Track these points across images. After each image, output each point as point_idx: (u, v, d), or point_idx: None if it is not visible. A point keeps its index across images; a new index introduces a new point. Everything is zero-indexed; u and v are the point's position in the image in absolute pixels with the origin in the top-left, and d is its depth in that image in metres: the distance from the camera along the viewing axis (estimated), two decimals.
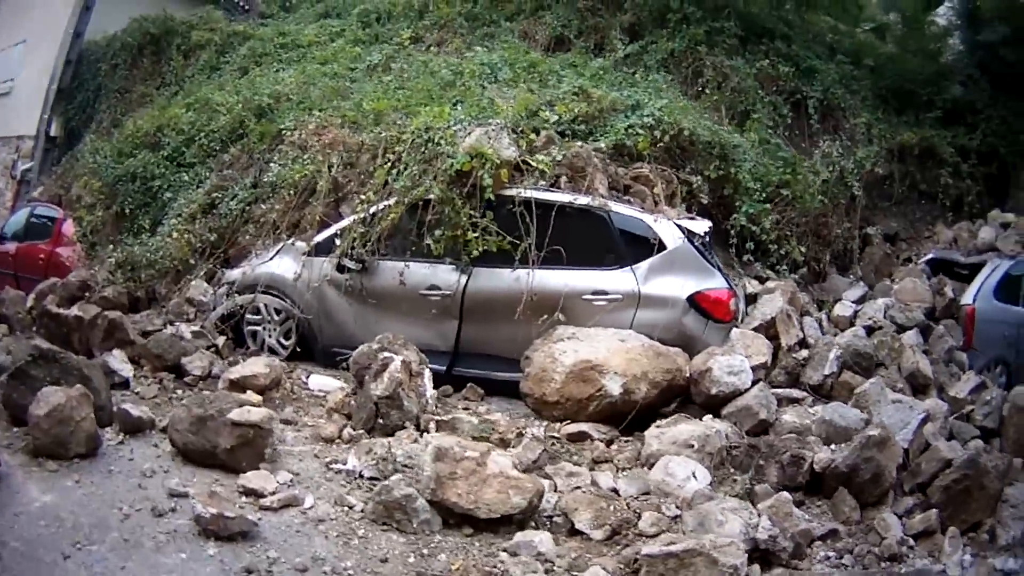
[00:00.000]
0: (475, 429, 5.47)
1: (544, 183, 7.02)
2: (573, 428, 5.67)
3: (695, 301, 6.33)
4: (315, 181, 8.30)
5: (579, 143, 7.65)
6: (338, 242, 7.15)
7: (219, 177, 9.69)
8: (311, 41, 13.24)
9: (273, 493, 4.64)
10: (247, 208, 8.93)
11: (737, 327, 6.43)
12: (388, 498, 4.36)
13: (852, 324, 7.43)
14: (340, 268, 7.07)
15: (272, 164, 9.07)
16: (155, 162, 10.28)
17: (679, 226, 6.60)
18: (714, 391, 5.61)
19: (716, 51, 10.60)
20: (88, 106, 15.04)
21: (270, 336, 7.56)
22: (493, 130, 7.22)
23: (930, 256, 9.49)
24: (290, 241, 7.76)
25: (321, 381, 6.80)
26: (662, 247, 6.42)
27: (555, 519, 4.66)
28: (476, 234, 6.59)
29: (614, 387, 5.58)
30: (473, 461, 4.43)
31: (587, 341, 5.89)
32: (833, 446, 4.99)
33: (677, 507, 4.55)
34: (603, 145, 7.76)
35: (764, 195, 8.47)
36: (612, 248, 6.57)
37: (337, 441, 5.65)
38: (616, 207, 6.78)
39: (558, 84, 9.17)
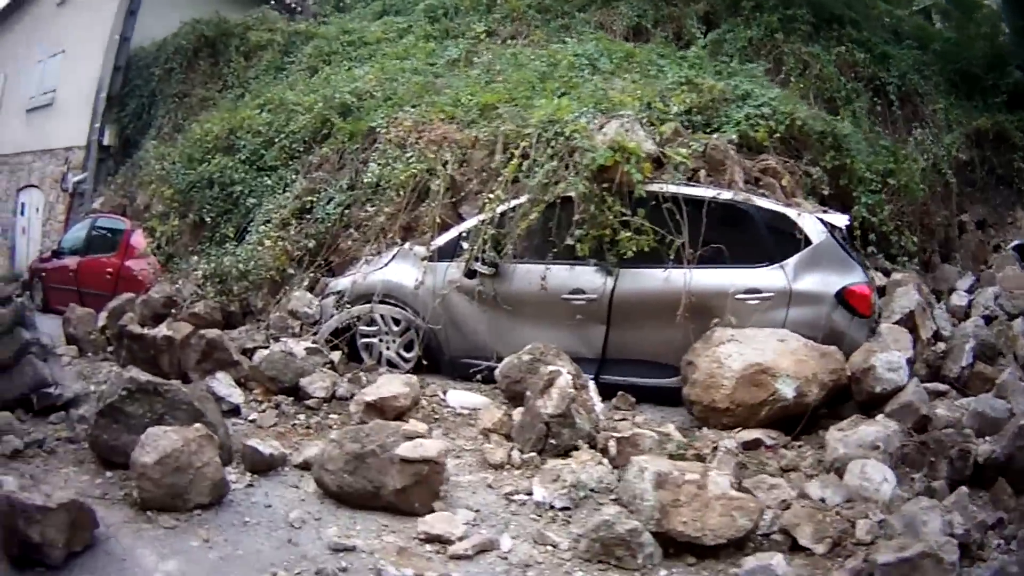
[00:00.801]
0: (657, 444, 4.95)
1: (681, 177, 6.61)
2: (747, 436, 5.27)
3: (842, 297, 6.00)
4: (424, 181, 7.71)
5: (714, 135, 7.32)
6: (465, 245, 6.66)
7: (308, 180, 8.92)
8: (379, 38, 12.60)
9: (462, 538, 4.00)
10: (345, 212, 8.26)
11: (876, 322, 6.21)
12: (609, 534, 3.83)
13: (967, 314, 7.39)
14: (470, 273, 6.54)
15: (370, 164, 8.40)
16: (232, 166, 9.53)
17: (821, 220, 6.27)
18: (877, 389, 5.34)
19: (792, 38, 10.24)
20: (143, 112, 14.35)
21: (388, 349, 6.96)
22: (627, 123, 6.79)
23: (1018, 242, 9.15)
24: (407, 246, 7.19)
25: (462, 397, 6.19)
26: (807, 242, 6.09)
27: (772, 536, 4.18)
28: (628, 233, 6.12)
29: (788, 390, 5.28)
30: (694, 484, 4.04)
31: (748, 343, 5.55)
32: (987, 437, 4.83)
33: (879, 511, 4.27)
34: (734, 136, 7.39)
35: (877, 185, 8.11)
36: (759, 244, 6.21)
37: (507, 467, 5.00)
38: (759, 201, 6.41)
39: (660, 74, 8.86)
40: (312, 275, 7.98)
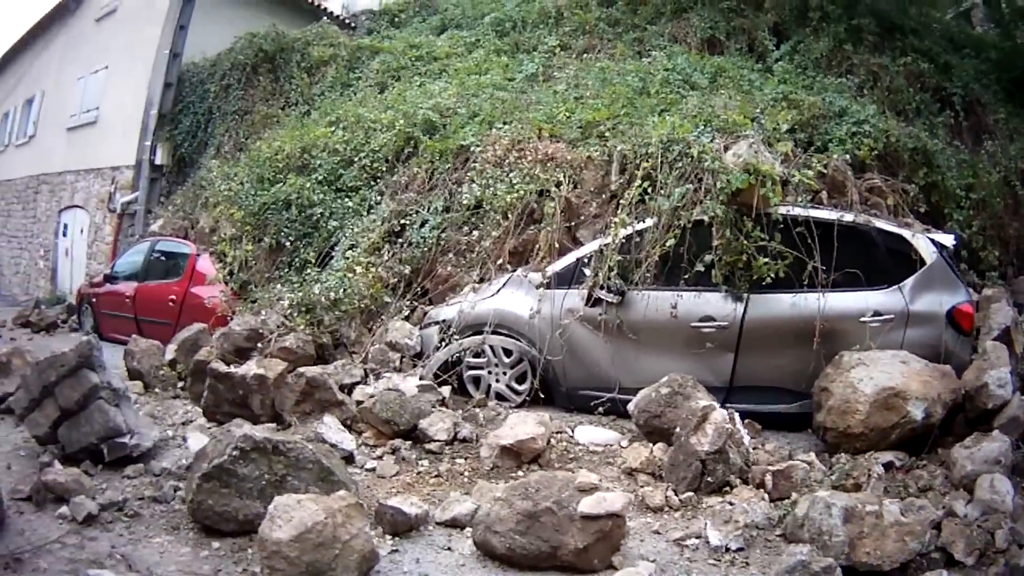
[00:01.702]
0: (810, 476, 4.94)
1: (806, 199, 6.52)
2: (882, 459, 5.23)
3: (952, 316, 6.00)
4: (533, 203, 7.33)
5: (835, 155, 7.22)
6: (587, 272, 6.34)
7: (396, 201, 8.40)
8: (448, 53, 12.19)
9: None
10: (441, 235, 7.81)
11: (976, 339, 6.17)
12: (805, 573, 3.68)
13: None
14: (592, 301, 6.22)
15: (466, 185, 7.97)
16: (309, 187, 8.93)
17: (932, 240, 6.24)
18: (989, 405, 5.36)
19: (860, 49, 10.01)
20: (198, 130, 13.78)
21: (497, 381, 6.62)
22: (753, 143, 6.58)
23: None
24: (519, 272, 6.85)
25: (592, 434, 5.89)
26: (922, 263, 6.10)
27: (931, 555, 4.17)
28: (765, 259, 5.98)
29: (918, 412, 5.30)
30: (873, 515, 4.08)
31: (875, 366, 5.51)
32: None
33: (1009, 521, 4.40)
34: (847, 156, 7.28)
35: (964, 201, 7.95)
36: (879, 266, 6.13)
37: (667, 509, 4.74)
38: (878, 223, 6.38)
39: (754, 90, 8.63)
40: (408, 304, 7.52)
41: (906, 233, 6.28)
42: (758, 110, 7.76)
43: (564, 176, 7.32)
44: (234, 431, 4.45)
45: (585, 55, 10.92)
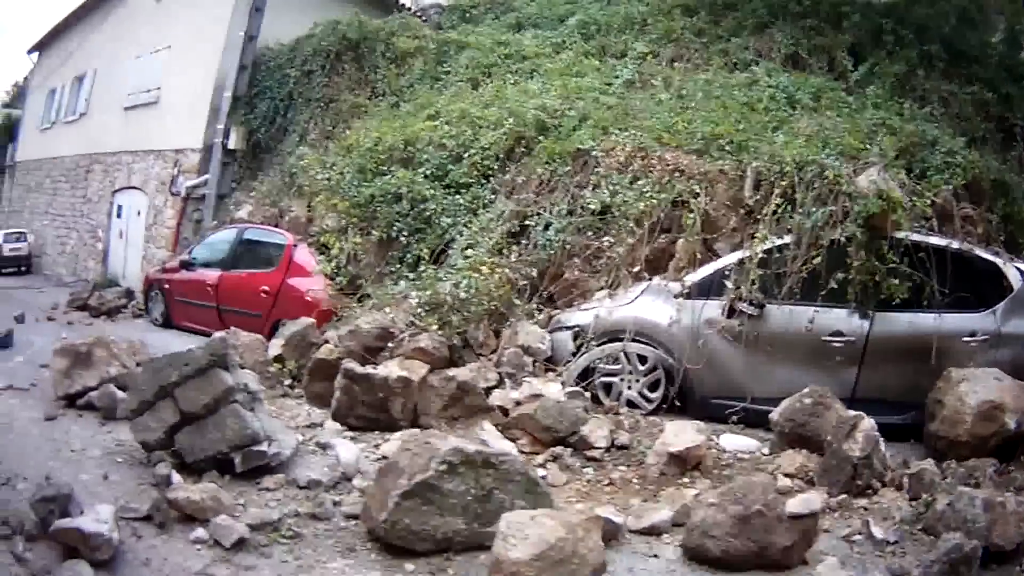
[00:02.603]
0: (936, 477, 5.29)
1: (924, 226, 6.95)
2: (984, 464, 5.65)
3: None
4: (662, 210, 7.45)
5: (941, 184, 7.46)
6: (728, 284, 6.59)
7: (513, 201, 8.31)
8: (536, 52, 12.00)
9: None
10: (566, 240, 7.75)
11: None
12: (958, 555, 4.02)
13: None
14: (731, 312, 6.54)
15: (590, 189, 7.96)
16: (419, 181, 8.78)
17: (1018, 268, 6.74)
18: None
19: (932, 75, 10.20)
20: (276, 115, 13.53)
21: (630, 388, 6.72)
22: (880, 169, 7.00)
23: None
24: (657, 280, 7.00)
25: (736, 441, 6.06)
26: (1010, 289, 6.62)
27: None
28: (896, 280, 6.43)
29: (1011, 423, 5.78)
30: (1000, 505, 4.44)
31: (975, 382, 6.00)
32: None
33: None
34: (952, 185, 7.50)
35: None
36: (976, 290, 6.63)
37: (825, 510, 4.89)
38: (978, 250, 6.87)
39: (853, 113, 8.79)
40: (535, 307, 7.46)
41: (999, 261, 6.77)
42: (864, 136, 7.87)
43: (701, 188, 7.39)
44: (435, 443, 4.22)
45: (676, 64, 10.90)
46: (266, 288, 9.28)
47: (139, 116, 16.77)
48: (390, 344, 6.73)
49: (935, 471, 5.33)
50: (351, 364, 6.24)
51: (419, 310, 7.01)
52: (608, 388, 6.72)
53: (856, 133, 7.84)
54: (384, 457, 5.42)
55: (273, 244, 9.73)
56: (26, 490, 4.39)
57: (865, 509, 4.93)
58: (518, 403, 6.17)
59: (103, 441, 5.50)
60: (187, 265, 10.89)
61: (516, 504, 4.13)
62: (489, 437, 5.52)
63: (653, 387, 6.71)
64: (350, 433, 5.91)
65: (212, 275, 10.28)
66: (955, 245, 6.66)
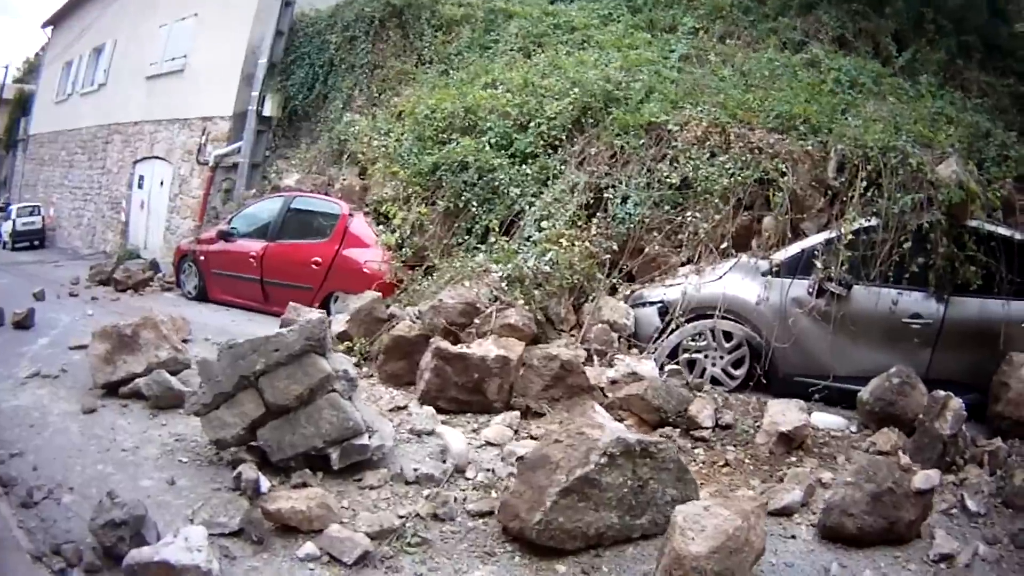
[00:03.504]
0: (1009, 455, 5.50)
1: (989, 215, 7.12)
2: None
3: None
4: (747, 187, 7.34)
5: (1007, 176, 7.58)
6: (816, 263, 6.66)
7: (587, 174, 8.03)
8: (584, 24, 11.79)
9: (959, 553, 4.22)
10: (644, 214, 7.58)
11: None
12: None
13: None
14: (819, 291, 6.63)
15: (667, 163, 7.75)
16: (485, 150, 8.53)
17: None
18: None
19: (970, 66, 10.33)
20: (315, 82, 13.26)
21: (714, 365, 6.74)
22: (958, 160, 7.17)
23: None
24: (744, 258, 7.00)
25: (826, 419, 6.06)
26: None
27: None
28: (972, 267, 6.64)
29: None
30: None
31: None
32: None
33: None
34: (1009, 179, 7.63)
35: None
36: None
37: None
38: None
39: (911, 101, 8.85)
40: (614, 282, 7.27)
41: None
42: (928, 126, 7.89)
43: (788, 167, 7.29)
44: (590, 433, 3.97)
45: (727, 41, 10.80)
46: (318, 259, 8.96)
47: (163, 85, 16.48)
48: (476, 320, 6.42)
49: (1006, 448, 5.53)
50: (443, 343, 5.95)
51: (503, 284, 6.74)
52: (691, 365, 6.69)
53: (922, 121, 7.93)
54: (489, 443, 5.19)
55: (325, 213, 9.41)
56: (75, 504, 3.99)
57: (955, 484, 5.08)
58: (613, 382, 5.98)
59: (158, 437, 5.02)
60: (226, 235, 10.50)
61: (667, 493, 4.02)
62: (602, 419, 5.19)
63: (737, 364, 6.75)
64: (442, 417, 5.63)
65: (255, 246, 9.92)
66: (1019, 236, 6.84)
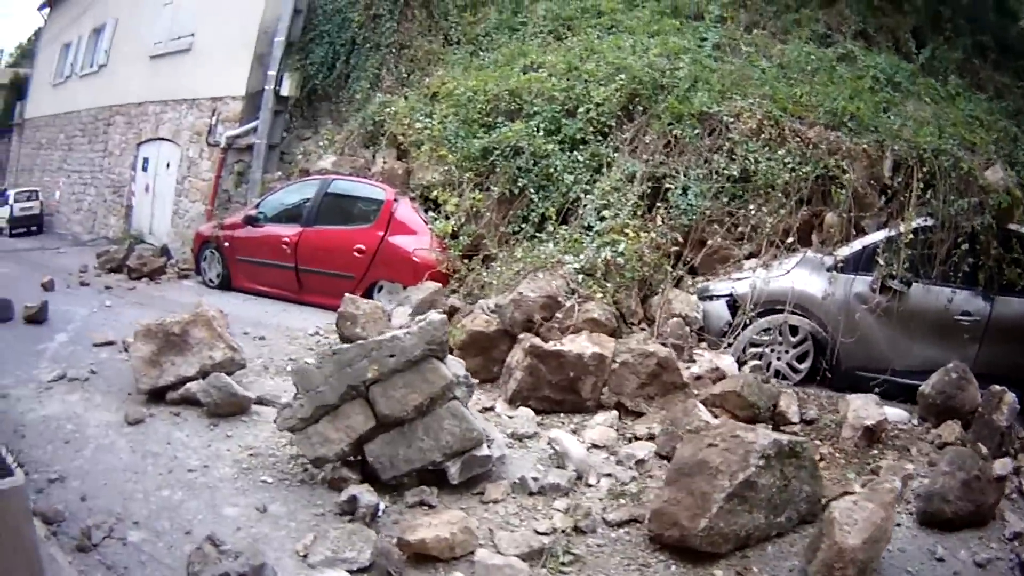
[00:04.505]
0: None
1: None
2: None
3: None
4: (808, 182, 7.43)
5: None
6: (879, 260, 6.92)
7: (643, 163, 7.93)
8: (611, 7, 11.60)
9: None
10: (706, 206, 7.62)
11: None
12: None
13: None
14: (882, 288, 6.89)
15: (723, 154, 7.75)
16: (535, 135, 8.37)
17: None
18: None
19: (985, 65, 10.51)
20: (336, 61, 12.82)
21: (779, 359, 6.86)
22: (1002, 165, 7.58)
23: None
24: (810, 253, 7.11)
25: (890, 413, 6.07)
26: None
27: None
28: (1020, 269, 7.03)
29: None
30: None
31: None
32: None
33: None
34: None
35: None
36: None
37: None
38: None
39: (945, 101, 9.04)
40: (680, 274, 7.28)
41: None
42: (963, 126, 8.19)
43: (848, 164, 7.44)
44: (744, 436, 3.99)
45: (755, 30, 10.71)
46: (361, 247, 8.73)
47: (169, 64, 15.99)
48: (559, 315, 6.29)
49: None
50: (536, 340, 5.85)
51: (579, 276, 6.68)
52: (758, 358, 6.76)
53: (960, 124, 8.18)
54: (596, 446, 5.09)
55: (368, 198, 9.15)
56: (146, 543, 3.42)
57: (1014, 472, 5.22)
58: (697, 378, 5.97)
59: (228, 452, 4.52)
60: (253, 220, 10.14)
61: (803, 489, 4.10)
62: (705, 415, 5.12)
63: (800, 359, 6.90)
64: (536, 417, 5.52)
65: (289, 232, 9.60)
66: None
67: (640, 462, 4.80)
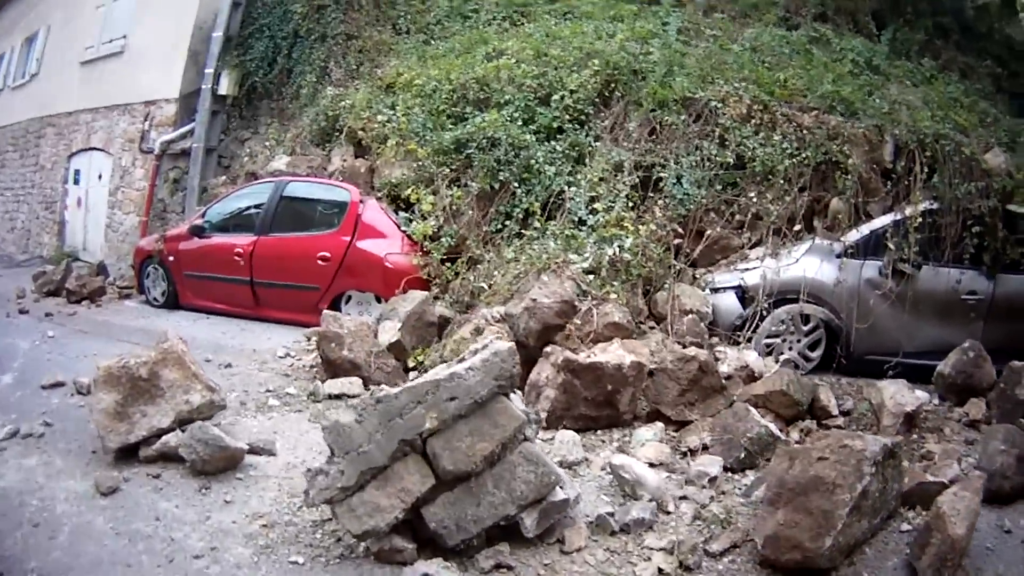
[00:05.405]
0: None
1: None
2: None
3: None
4: (810, 169, 7.21)
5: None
6: (890, 245, 6.89)
7: (629, 151, 7.44)
8: None
9: None
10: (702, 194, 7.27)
11: None
12: None
13: None
14: (894, 272, 6.91)
15: (713, 141, 7.39)
16: (511, 125, 7.75)
17: None
18: None
19: (948, 47, 10.46)
20: (277, 56, 11.91)
21: (791, 348, 6.74)
22: (999, 149, 7.63)
23: None
24: (819, 240, 7.00)
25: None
26: None
27: None
28: (1021, 248, 7.14)
29: None
30: None
31: None
32: None
33: None
34: None
35: None
36: None
37: None
38: None
39: (924, 84, 8.99)
40: (681, 267, 6.85)
41: None
42: (947, 109, 8.12)
43: (850, 149, 7.26)
44: (851, 444, 3.68)
45: (714, 15, 10.46)
46: (325, 254, 7.94)
47: (101, 69, 14.82)
48: (576, 320, 5.70)
49: None
50: (569, 353, 5.24)
51: (589, 276, 6.17)
52: (769, 347, 6.68)
53: (946, 106, 8.13)
54: (652, 464, 4.56)
55: (329, 200, 8.32)
56: None
57: None
58: (727, 377, 5.58)
59: (235, 525, 3.72)
60: (199, 231, 9.20)
61: (893, 488, 3.92)
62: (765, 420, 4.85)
63: (812, 347, 6.83)
64: (577, 437, 4.87)
65: (242, 241, 8.71)
66: None
67: (713, 479, 4.33)
